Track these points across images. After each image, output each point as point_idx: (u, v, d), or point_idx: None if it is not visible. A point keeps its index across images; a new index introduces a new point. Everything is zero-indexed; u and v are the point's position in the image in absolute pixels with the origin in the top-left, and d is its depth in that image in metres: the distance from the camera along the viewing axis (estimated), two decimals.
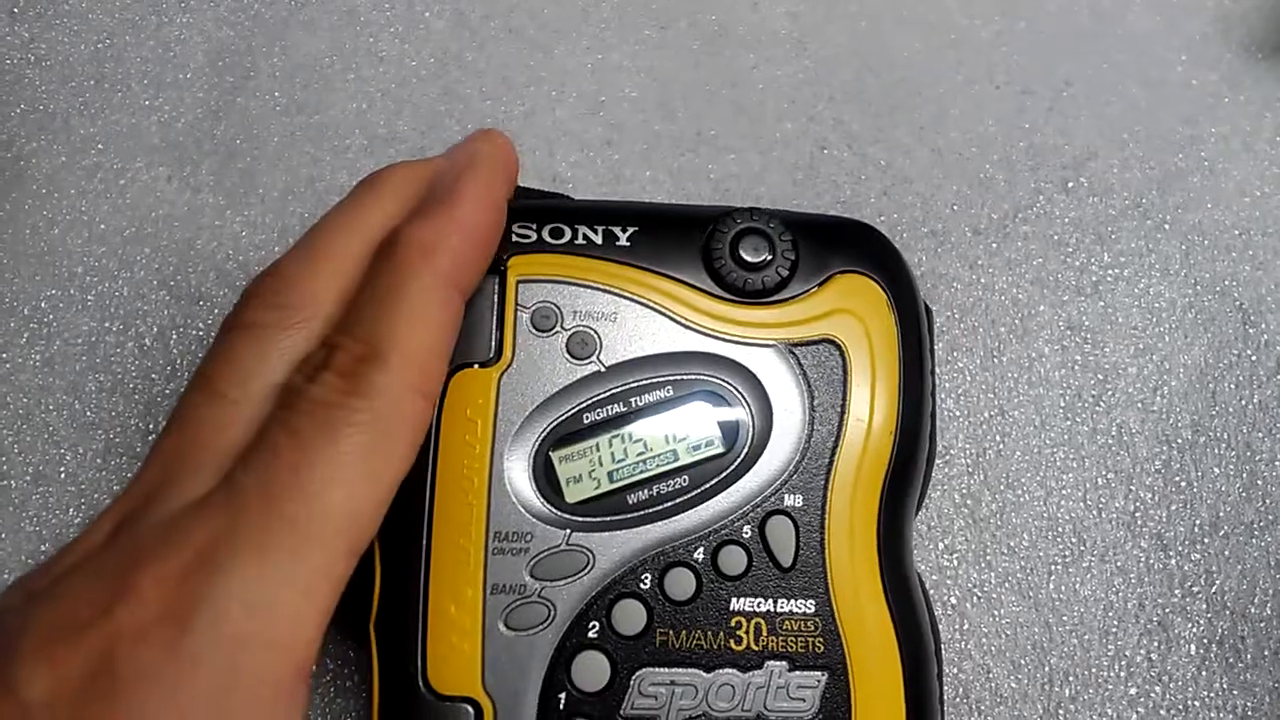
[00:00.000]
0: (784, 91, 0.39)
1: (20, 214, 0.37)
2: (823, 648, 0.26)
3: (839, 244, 0.29)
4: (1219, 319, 0.36)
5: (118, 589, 0.20)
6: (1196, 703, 0.32)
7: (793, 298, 0.28)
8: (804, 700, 0.26)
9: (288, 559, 0.20)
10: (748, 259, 0.28)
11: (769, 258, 0.28)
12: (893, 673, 0.26)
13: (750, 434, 0.28)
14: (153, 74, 0.39)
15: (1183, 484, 0.34)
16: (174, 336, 0.36)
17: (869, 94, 0.39)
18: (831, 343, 0.28)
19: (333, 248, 0.25)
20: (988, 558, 0.33)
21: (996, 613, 0.33)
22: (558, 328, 0.28)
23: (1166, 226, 0.37)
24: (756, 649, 0.27)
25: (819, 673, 0.26)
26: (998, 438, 0.35)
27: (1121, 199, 0.37)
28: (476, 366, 0.27)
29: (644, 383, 0.28)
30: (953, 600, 0.33)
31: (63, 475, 0.34)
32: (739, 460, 0.28)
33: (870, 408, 0.28)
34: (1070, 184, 0.37)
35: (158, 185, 0.37)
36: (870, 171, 0.38)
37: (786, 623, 0.27)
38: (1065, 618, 0.33)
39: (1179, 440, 0.34)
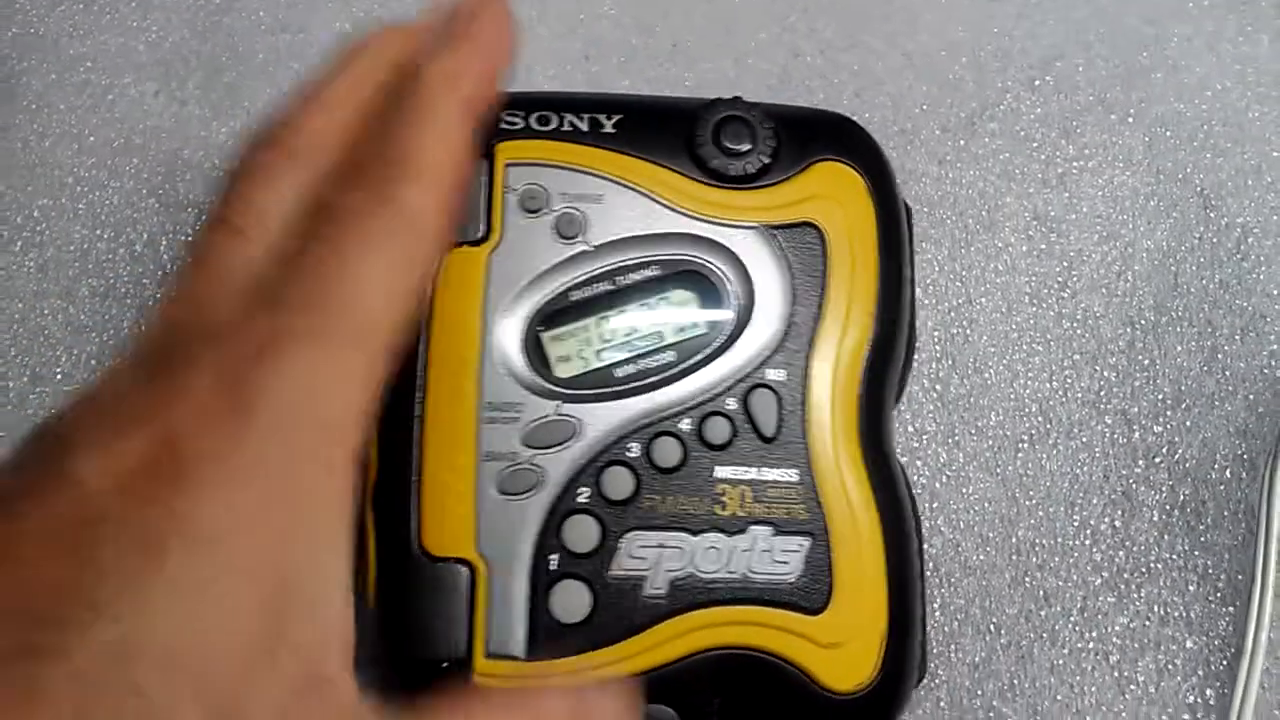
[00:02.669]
0: (760, 4, 0.40)
1: (11, 128, 0.38)
2: (805, 515, 0.27)
3: (819, 133, 0.30)
4: (1180, 205, 0.37)
5: (171, 387, 0.20)
6: (1159, 564, 0.33)
7: (774, 183, 0.29)
8: (787, 564, 0.27)
9: (337, 350, 0.21)
10: (730, 146, 0.29)
11: (750, 145, 0.29)
12: (873, 541, 0.27)
13: (734, 311, 0.29)
14: None
15: (1145, 362, 0.35)
16: (164, 243, 0.36)
17: (843, 4, 0.40)
18: (812, 225, 0.29)
19: (337, 95, 0.25)
20: (956, 437, 0.34)
21: (965, 490, 0.34)
22: (545, 209, 0.29)
23: (1130, 120, 0.38)
24: (741, 514, 0.27)
25: (801, 538, 0.27)
26: (965, 324, 0.35)
27: (1086, 95, 0.38)
28: (466, 246, 0.28)
29: (630, 262, 0.29)
30: (923, 479, 0.34)
31: (59, 376, 0.35)
32: (723, 337, 0.28)
33: (849, 289, 0.29)
34: (1036, 82, 0.38)
35: (145, 99, 0.38)
36: (843, 76, 0.39)
37: (770, 490, 0.28)
38: (1032, 492, 0.34)
39: (1142, 321, 0.35)
